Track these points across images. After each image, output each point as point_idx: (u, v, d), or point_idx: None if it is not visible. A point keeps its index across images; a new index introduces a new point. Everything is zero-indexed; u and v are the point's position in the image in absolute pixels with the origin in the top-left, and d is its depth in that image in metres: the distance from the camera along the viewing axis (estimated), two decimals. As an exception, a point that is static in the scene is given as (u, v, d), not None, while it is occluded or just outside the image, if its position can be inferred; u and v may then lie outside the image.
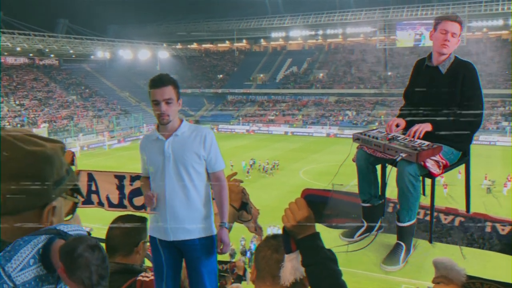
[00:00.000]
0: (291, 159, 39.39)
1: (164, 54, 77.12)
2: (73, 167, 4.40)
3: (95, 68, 74.47)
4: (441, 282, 2.57)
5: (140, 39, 74.45)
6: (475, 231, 2.32)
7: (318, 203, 2.23)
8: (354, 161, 2.78)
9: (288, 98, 68.72)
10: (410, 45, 66.76)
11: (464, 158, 2.73)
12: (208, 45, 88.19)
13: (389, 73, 67.69)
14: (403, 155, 2.40)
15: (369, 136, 2.66)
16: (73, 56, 69.93)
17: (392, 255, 2.41)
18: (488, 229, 2.30)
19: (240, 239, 19.38)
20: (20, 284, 2.00)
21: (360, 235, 2.55)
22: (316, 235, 1.90)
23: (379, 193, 2.73)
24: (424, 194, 2.67)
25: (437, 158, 2.48)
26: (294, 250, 1.97)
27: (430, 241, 2.42)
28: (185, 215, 2.81)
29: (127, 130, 58.23)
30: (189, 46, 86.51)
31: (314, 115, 63.19)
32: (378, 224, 2.61)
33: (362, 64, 71.63)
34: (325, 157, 41.68)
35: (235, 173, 3.50)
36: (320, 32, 75.44)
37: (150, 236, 2.92)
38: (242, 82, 73.14)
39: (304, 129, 59.87)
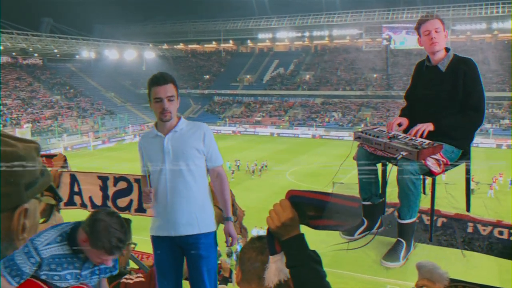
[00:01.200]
0: (277, 160, 39.44)
1: (150, 54, 76.66)
2: (65, 169, 4.35)
3: (80, 68, 73.66)
4: (424, 285, 2.59)
5: (126, 39, 73.89)
6: (458, 232, 2.34)
7: (302, 204, 2.21)
8: (355, 160, 2.76)
9: (275, 100, 68.84)
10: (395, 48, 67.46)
11: (465, 157, 2.74)
12: (194, 46, 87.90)
13: (375, 75, 68.25)
14: (404, 153, 2.40)
15: (370, 134, 2.65)
16: (58, 55, 69.06)
17: (392, 252, 2.42)
18: (470, 230, 2.32)
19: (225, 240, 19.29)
20: (45, 258, 2.06)
21: (361, 233, 2.54)
22: (301, 237, 1.89)
23: (380, 192, 2.73)
24: (424, 193, 2.67)
25: (437, 156, 2.48)
26: (279, 252, 1.97)
27: (430, 239, 2.42)
28: (186, 210, 2.82)
29: (112, 131, 57.73)
30: (175, 46, 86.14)
31: (300, 116, 63.41)
32: (378, 222, 2.60)
33: (348, 66, 72.15)
34: (311, 158, 41.84)
35: None
36: (307, 33, 75.75)
37: (152, 236, 2.93)
38: (229, 83, 73.08)
39: (291, 130, 60.02)
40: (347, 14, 70.77)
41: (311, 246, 1.68)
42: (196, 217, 2.84)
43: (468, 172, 2.74)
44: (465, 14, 63.21)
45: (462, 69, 2.70)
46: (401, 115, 2.93)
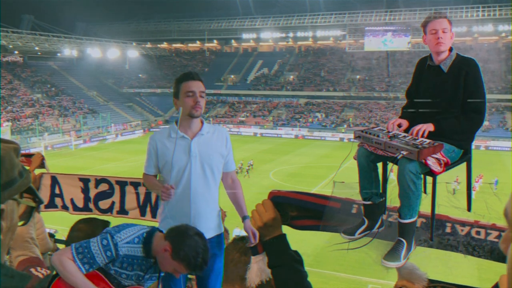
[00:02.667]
0: (261, 160, 39.51)
1: (133, 53, 76.01)
2: (44, 170, 4.28)
3: (62, 66, 72.61)
4: (404, 286, 2.64)
5: (109, 38, 73.08)
6: (436, 232, 2.37)
7: (285, 205, 2.23)
8: (355, 159, 2.76)
9: (259, 100, 68.92)
10: (377, 49, 68.19)
11: (466, 156, 2.73)
12: (178, 45, 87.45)
13: (358, 77, 68.86)
14: (404, 153, 2.40)
15: (370, 133, 2.64)
16: (39, 53, 67.96)
17: (393, 252, 2.42)
18: (448, 230, 2.35)
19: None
20: (121, 255, 2.07)
21: (361, 232, 2.55)
22: (282, 237, 1.91)
23: (380, 191, 2.73)
24: (425, 192, 2.67)
25: (438, 156, 2.48)
26: (261, 252, 1.98)
27: (431, 239, 2.44)
28: (207, 213, 2.89)
29: (95, 130, 57.05)
30: (159, 45, 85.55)
31: (284, 116, 63.61)
32: (379, 222, 2.61)
33: (331, 67, 72.66)
34: (295, 158, 42.00)
35: None
36: (291, 34, 76.01)
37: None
38: (213, 82, 72.89)
39: (274, 130, 60.16)
40: (330, 15, 71.22)
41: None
42: (214, 221, 2.94)
43: (469, 171, 2.75)
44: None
45: (464, 70, 2.69)
46: (401, 114, 2.93)
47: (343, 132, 56.98)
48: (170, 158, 2.82)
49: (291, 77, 72.96)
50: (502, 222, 2.46)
